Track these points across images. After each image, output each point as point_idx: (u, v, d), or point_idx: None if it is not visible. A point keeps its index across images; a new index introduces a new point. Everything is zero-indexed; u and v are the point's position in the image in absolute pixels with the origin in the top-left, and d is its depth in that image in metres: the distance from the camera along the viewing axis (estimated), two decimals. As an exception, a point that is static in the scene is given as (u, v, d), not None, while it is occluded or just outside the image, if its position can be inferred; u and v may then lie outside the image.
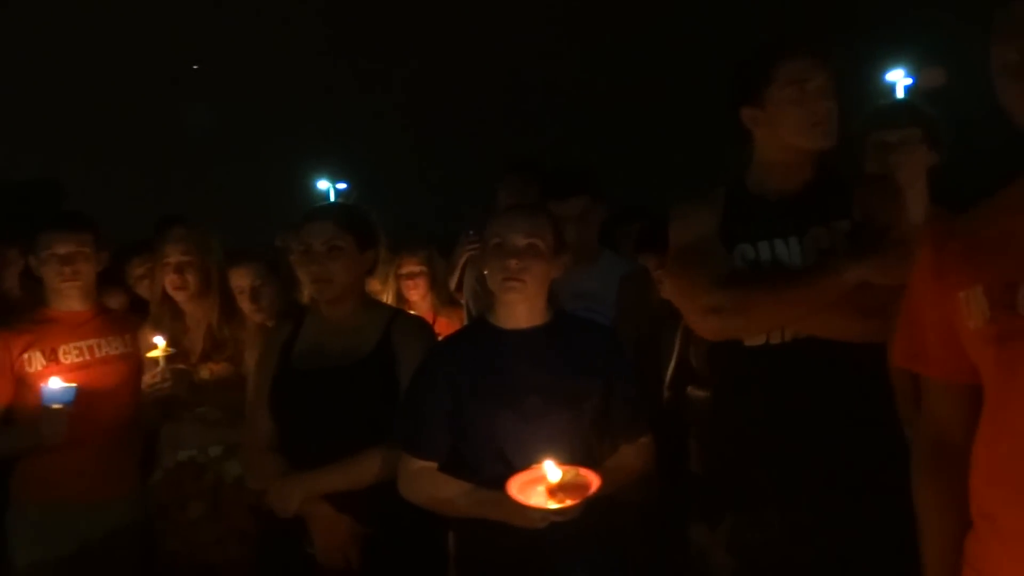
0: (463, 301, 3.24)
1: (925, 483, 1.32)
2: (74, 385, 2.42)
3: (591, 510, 1.67)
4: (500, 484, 1.69)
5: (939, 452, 1.30)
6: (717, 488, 1.99)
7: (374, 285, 2.42)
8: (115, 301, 3.02)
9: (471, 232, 3.38)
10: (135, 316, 2.84)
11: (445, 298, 3.46)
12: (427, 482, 1.88)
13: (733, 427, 1.87)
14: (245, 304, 2.76)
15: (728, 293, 1.71)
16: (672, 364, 2.77)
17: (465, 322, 3.03)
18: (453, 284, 3.54)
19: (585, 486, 1.66)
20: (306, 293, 2.21)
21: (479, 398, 1.86)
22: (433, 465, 1.88)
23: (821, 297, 1.61)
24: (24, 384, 2.51)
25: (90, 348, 2.63)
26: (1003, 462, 1.15)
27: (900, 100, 2.49)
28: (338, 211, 2.17)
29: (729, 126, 1.86)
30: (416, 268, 3.48)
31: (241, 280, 2.76)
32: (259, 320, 2.75)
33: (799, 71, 1.73)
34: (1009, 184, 1.24)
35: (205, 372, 2.61)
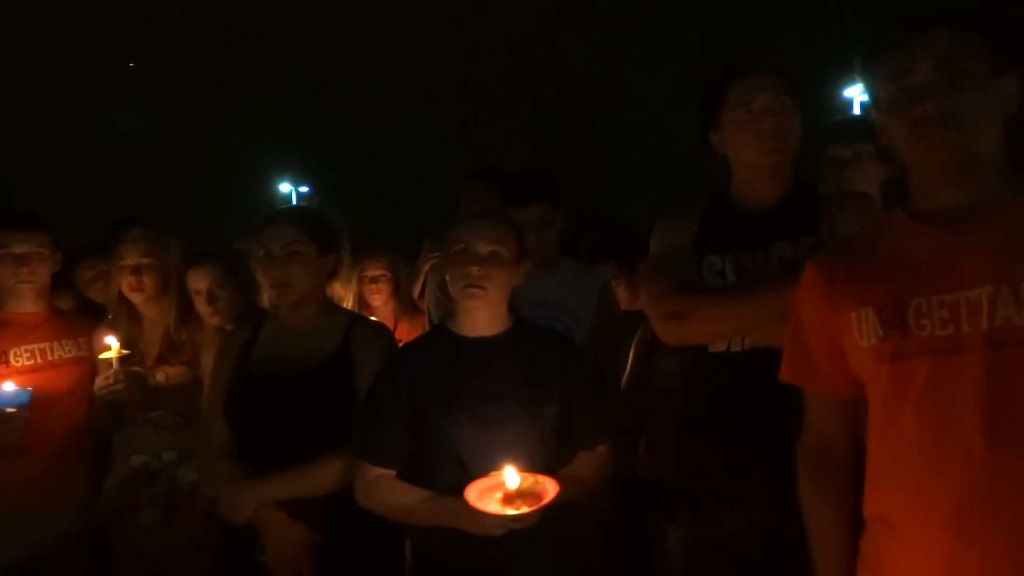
0: (425, 308, 3.23)
1: (813, 490, 1.45)
2: (30, 389, 2.37)
3: (549, 518, 1.68)
4: (458, 491, 1.69)
5: (825, 461, 1.43)
6: (674, 489, 2.02)
7: (336, 290, 2.39)
8: (64, 304, 2.96)
9: (433, 239, 3.37)
10: (89, 319, 2.78)
11: (407, 304, 3.45)
12: (384, 490, 1.87)
13: (693, 429, 1.92)
14: (202, 307, 2.72)
15: (687, 300, 1.78)
16: (627, 374, 2.80)
17: (427, 329, 3.02)
18: (416, 291, 3.53)
19: (543, 493, 1.67)
20: (266, 297, 2.19)
21: (438, 405, 1.85)
22: (391, 473, 1.87)
23: (772, 308, 1.65)
24: (-28, 388, 2.45)
25: (42, 351, 2.58)
26: (894, 467, 1.27)
27: (853, 116, 2.56)
28: (299, 215, 2.14)
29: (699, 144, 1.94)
30: (379, 272, 3.46)
31: (198, 282, 2.73)
32: (217, 323, 2.71)
33: (745, 92, 1.80)
34: (893, 209, 1.36)
35: (161, 375, 2.57)
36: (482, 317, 1.91)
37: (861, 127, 2.34)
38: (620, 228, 3.65)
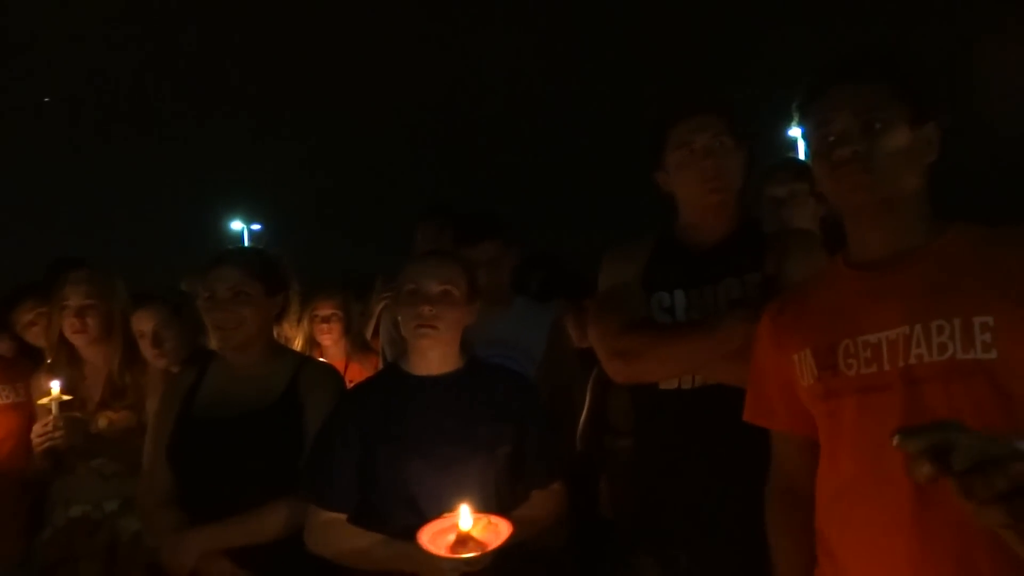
0: (378, 348, 3.21)
1: (777, 525, 1.49)
2: None
3: (503, 559, 1.66)
4: (411, 534, 1.66)
5: (788, 497, 1.47)
6: (631, 529, 2.02)
7: (285, 330, 2.36)
8: (3, 348, 2.86)
9: (386, 279, 3.37)
10: (27, 363, 2.70)
11: (359, 344, 3.42)
12: (335, 534, 1.83)
13: (647, 467, 1.92)
14: (147, 349, 2.66)
15: (635, 338, 1.78)
16: (585, 412, 2.81)
17: (380, 368, 3.00)
18: (369, 331, 3.51)
19: (497, 535, 1.65)
20: (212, 339, 2.15)
21: (390, 446, 1.83)
22: (342, 516, 1.84)
23: (720, 346, 1.67)
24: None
25: None
26: (832, 501, 1.33)
27: (787, 158, 2.66)
28: (245, 256, 2.11)
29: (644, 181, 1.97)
30: (330, 311, 3.43)
31: (143, 324, 2.67)
32: (162, 366, 2.65)
33: (685, 133, 1.83)
34: (835, 256, 1.44)
35: (103, 421, 2.49)
36: (434, 356, 1.91)
37: (795, 168, 2.44)
38: (568, 265, 3.68)
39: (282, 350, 2.21)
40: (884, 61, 1.35)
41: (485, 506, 1.72)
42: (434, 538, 1.65)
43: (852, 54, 1.39)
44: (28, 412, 2.53)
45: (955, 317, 1.20)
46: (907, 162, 1.30)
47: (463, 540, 1.63)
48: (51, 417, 2.36)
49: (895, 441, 0.78)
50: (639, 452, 2.00)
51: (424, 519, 1.70)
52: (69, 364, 2.55)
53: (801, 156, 2.47)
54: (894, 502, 1.22)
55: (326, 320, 3.46)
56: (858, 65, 1.34)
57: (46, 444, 2.38)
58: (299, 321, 2.95)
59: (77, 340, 2.54)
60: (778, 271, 1.78)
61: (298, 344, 3.14)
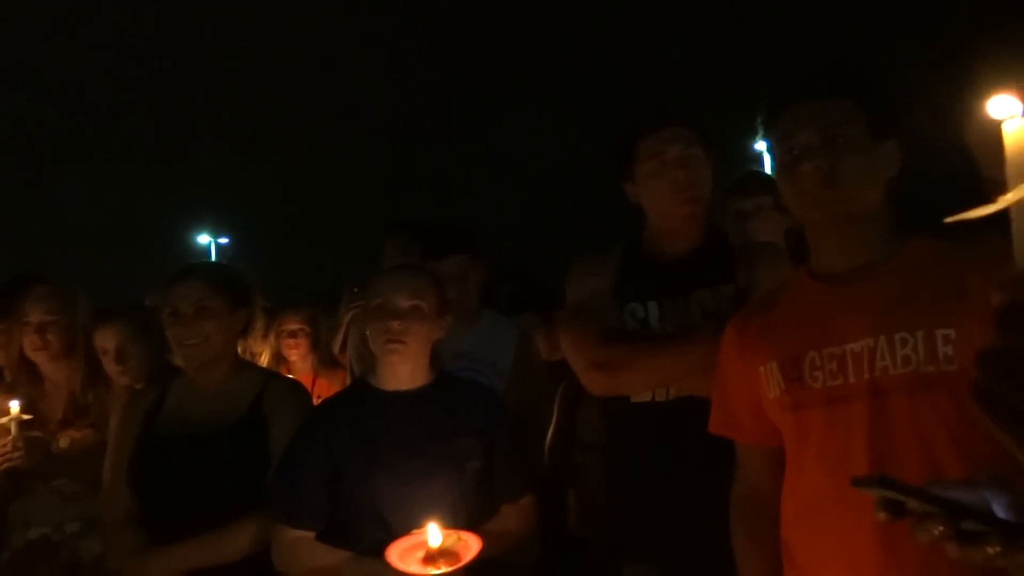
0: (346, 362, 3.19)
1: (743, 534, 1.50)
2: None
3: (473, 574, 1.65)
4: (380, 551, 1.65)
5: (754, 507, 1.49)
6: (602, 543, 2.02)
7: (252, 345, 2.34)
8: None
9: (355, 290, 3.34)
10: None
11: (326, 359, 3.39)
12: (303, 552, 1.80)
13: (619, 480, 1.92)
14: (110, 366, 2.61)
15: (612, 350, 1.77)
16: (553, 426, 2.81)
17: (348, 383, 2.98)
18: (337, 345, 3.48)
19: (466, 550, 1.64)
20: (177, 355, 2.12)
21: (358, 462, 1.82)
22: (309, 534, 1.82)
23: (696, 358, 1.67)
24: None
25: None
26: (799, 512, 1.35)
27: (752, 171, 2.69)
28: (208, 270, 2.09)
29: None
30: (297, 326, 3.40)
31: (107, 341, 2.62)
32: (126, 383, 2.60)
33: (656, 145, 1.84)
34: (798, 268, 1.47)
35: (64, 440, 2.43)
36: (403, 371, 1.90)
37: (760, 181, 2.47)
38: (536, 278, 3.69)
39: (247, 366, 2.19)
40: (847, 77, 1.37)
41: (454, 522, 1.71)
42: (403, 555, 1.64)
43: (815, 70, 1.42)
44: (-15, 432, 2.46)
45: (918, 330, 1.23)
46: (869, 177, 1.32)
47: (432, 556, 1.62)
48: (10, 437, 2.31)
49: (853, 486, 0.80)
50: (610, 465, 1.99)
51: (393, 536, 1.68)
52: (30, 382, 2.50)
53: (766, 169, 2.51)
54: (859, 512, 1.23)
55: (293, 335, 3.43)
56: (821, 81, 1.37)
57: (5, 465, 2.33)
58: (265, 336, 2.92)
59: (38, 357, 2.49)
60: (749, 283, 1.79)
61: (265, 359, 3.11)
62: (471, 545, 1.65)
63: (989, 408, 0.48)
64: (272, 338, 3.30)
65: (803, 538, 1.35)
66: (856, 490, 1.22)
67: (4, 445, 2.32)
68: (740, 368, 1.47)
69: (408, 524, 1.69)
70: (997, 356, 0.48)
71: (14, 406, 2.31)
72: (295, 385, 2.21)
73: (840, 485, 1.25)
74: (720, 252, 1.88)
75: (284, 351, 3.41)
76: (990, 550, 0.66)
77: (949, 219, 0.59)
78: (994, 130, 0.54)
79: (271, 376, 2.18)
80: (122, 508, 1.99)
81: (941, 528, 0.69)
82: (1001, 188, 0.52)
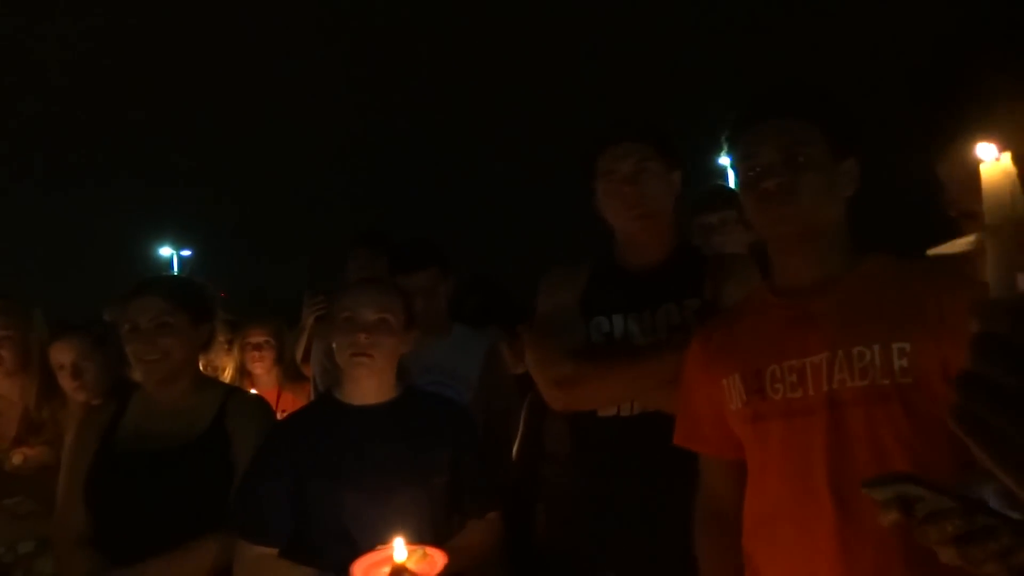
0: (310, 375, 3.15)
1: (705, 547, 1.52)
2: None
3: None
4: (345, 567, 1.62)
5: (716, 519, 1.50)
6: (568, 558, 2.01)
7: (215, 359, 2.30)
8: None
9: (315, 294, 3.31)
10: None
11: (292, 372, 3.35)
12: (267, 570, 1.78)
13: (584, 494, 1.91)
14: (67, 382, 2.55)
15: (574, 365, 1.77)
16: (519, 439, 2.80)
17: (312, 397, 2.94)
18: (300, 352, 3.44)
19: (432, 566, 1.63)
20: (136, 371, 2.07)
21: (323, 477, 1.80)
22: (273, 551, 1.79)
23: (661, 373, 1.67)
24: None
25: None
26: (760, 522, 1.37)
27: (716, 185, 2.73)
28: (168, 284, 2.06)
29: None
30: (262, 339, 3.36)
31: (62, 356, 2.56)
32: (82, 399, 2.54)
33: (610, 161, 1.85)
34: (760, 283, 1.51)
35: (18, 458, 2.38)
36: (370, 385, 1.89)
37: (724, 195, 2.50)
38: (504, 290, 3.68)
39: (208, 382, 2.15)
40: (808, 98, 1.41)
41: (420, 537, 1.69)
42: (368, 571, 1.62)
43: (778, 89, 1.45)
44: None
45: (875, 343, 1.26)
46: (828, 195, 1.35)
47: (398, 572, 1.60)
48: None
49: (864, 489, 0.84)
50: (576, 479, 1.99)
51: (358, 552, 1.66)
52: (-19, 399, 2.43)
53: (731, 184, 2.54)
54: (818, 523, 1.26)
55: (258, 348, 3.38)
56: (783, 100, 1.40)
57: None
58: (229, 349, 2.88)
59: (-9, 373, 2.43)
60: (716, 296, 1.80)
61: (229, 373, 3.06)
62: (437, 561, 1.64)
63: (968, 430, 0.51)
64: (236, 351, 3.25)
65: (763, 548, 1.37)
66: (814, 500, 1.25)
67: None
68: (704, 381, 1.49)
69: (373, 540, 1.67)
70: (974, 382, 0.51)
71: None
72: (257, 400, 2.19)
73: (798, 496, 1.29)
74: (689, 265, 1.88)
75: (248, 364, 3.36)
76: (998, 545, 0.70)
77: (932, 251, 0.63)
78: (973, 168, 0.59)
79: (233, 391, 2.15)
80: (76, 528, 1.93)
81: (957, 522, 0.73)
82: (977, 221, 0.57)
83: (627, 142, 1.85)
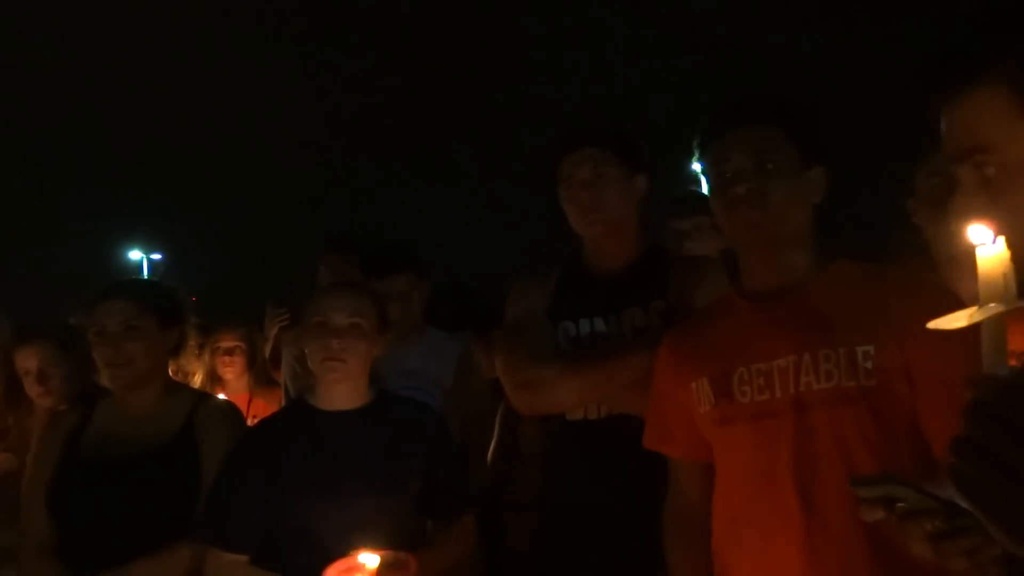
0: (282, 381, 3.12)
1: (676, 548, 1.53)
2: None
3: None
4: (317, 574, 1.62)
5: (686, 521, 1.52)
6: (538, 558, 2.02)
7: (185, 364, 2.27)
8: None
9: (279, 304, 3.30)
10: None
11: (263, 378, 3.32)
12: None
13: (554, 497, 1.92)
14: (32, 387, 2.51)
15: (540, 369, 1.79)
16: (494, 443, 2.80)
17: (284, 403, 2.92)
18: (266, 354, 3.41)
19: (405, 571, 1.63)
20: (104, 376, 2.04)
21: (295, 483, 1.78)
22: (243, 558, 1.77)
23: (624, 376, 1.70)
24: None
25: None
26: (728, 524, 1.39)
27: (689, 191, 2.76)
28: (137, 288, 2.04)
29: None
30: (233, 343, 3.33)
31: (28, 361, 2.51)
32: (48, 404, 2.50)
33: (568, 167, 1.86)
34: (727, 290, 1.52)
35: (-18, 465, 2.33)
36: (342, 390, 1.88)
37: (698, 201, 2.52)
38: (479, 294, 3.68)
39: (178, 387, 2.12)
40: (777, 106, 1.44)
41: (393, 542, 1.69)
42: (340, 578, 1.61)
43: (749, 97, 1.48)
44: None
45: (840, 346, 1.28)
46: (796, 201, 1.38)
47: (370, 578, 1.59)
48: None
49: (851, 487, 0.87)
50: (547, 482, 2.00)
51: (329, 558, 1.65)
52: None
53: (704, 190, 2.56)
54: (785, 524, 1.28)
55: (229, 352, 3.34)
56: (753, 109, 1.43)
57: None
58: (200, 354, 2.84)
59: (-49, 380, 2.38)
60: (683, 299, 1.81)
61: (199, 378, 3.02)
62: (410, 566, 1.63)
63: (962, 490, 0.57)
64: (207, 356, 3.21)
65: (731, 549, 1.39)
66: (781, 501, 1.27)
67: None
68: (673, 384, 1.51)
69: (345, 546, 1.66)
70: (967, 446, 0.57)
71: None
72: (227, 407, 2.16)
73: (766, 497, 1.31)
74: (655, 268, 1.90)
75: (219, 369, 3.32)
76: (970, 542, 0.76)
77: (931, 324, 0.68)
78: (970, 253, 0.65)
79: (202, 397, 2.12)
80: (40, 537, 1.89)
81: (937, 523, 0.78)
82: (973, 302, 0.64)
83: (585, 148, 1.86)
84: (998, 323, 0.63)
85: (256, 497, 1.78)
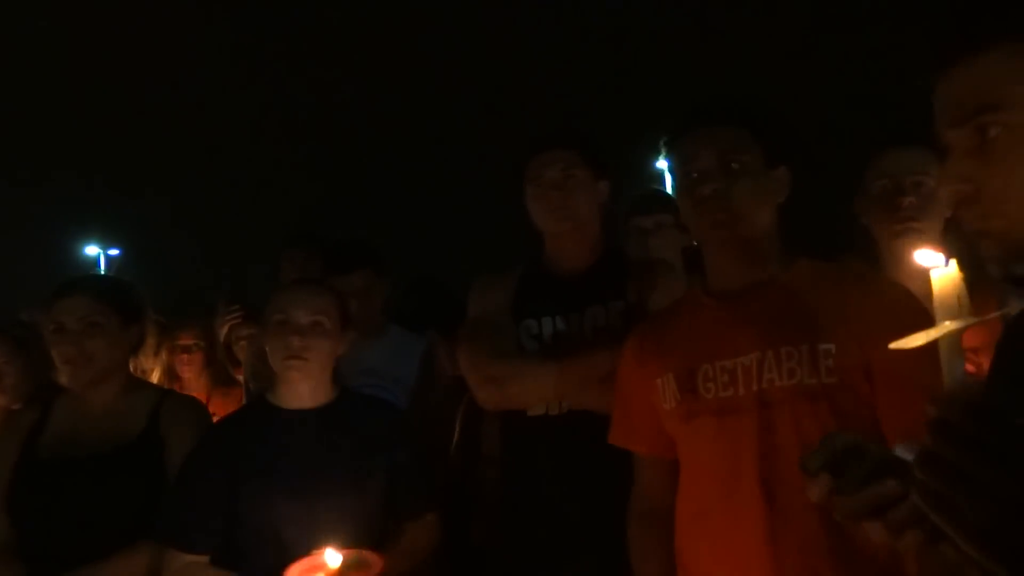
0: (243, 380, 3.08)
1: (639, 546, 1.55)
2: None
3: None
4: (278, 573, 1.59)
5: (651, 517, 1.54)
6: (501, 556, 2.02)
7: (142, 361, 2.23)
8: None
9: (227, 302, 3.26)
10: None
11: (222, 376, 3.28)
12: None
13: (515, 494, 1.93)
14: (-15, 386, 2.44)
15: (503, 365, 1.82)
16: (455, 441, 2.80)
17: (244, 401, 2.88)
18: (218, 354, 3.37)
19: (368, 569, 1.62)
20: (62, 374, 2.00)
21: (256, 482, 1.77)
22: (203, 559, 1.75)
23: (586, 372, 1.73)
24: None
25: None
26: (691, 519, 1.41)
27: (653, 189, 2.79)
28: (96, 284, 2.00)
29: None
30: (191, 341, 3.28)
31: (-21, 360, 2.45)
32: (2, 403, 2.44)
33: (536, 168, 1.90)
34: (694, 286, 1.56)
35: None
36: (304, 389, 1.86)
37: (661, 199, 2.55)
38: (444, 291, 3.67)
39: (140, 384, 2.09)
40: (743, 107, 1.46)
41: (356, 541, 1.68)
42: (302, 577, 1.60)
43: (714, 98, 1.50)
44: None
45: (802, 344, 1.31)
46: (761, 201, 1.41)
47: (333, 578, 1.58)
48: None
49: (800, 469, 0.87)
50: (508, 479, 2.01)
51: (291, 558, 1.63)
52: None
53: (668, 188, 2.58)
54: (747, 519, 1.30)
55: (187, 350, 3.29)
56: (719, 109, 1.45)
57: None
58: (158, 352, 2.80)
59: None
60: (640, 299, 1.85)
61: (156, 377, 2.97)
62: (373, 564, 1.62)
63: (927, 503, 0.60)
64: (164, 354, 3.16)
65: (694, 544, 1.41)
66: (744, 496, 1.29)
67: None
68: (639, 380, 1.52)
69: (307, 545, 1.65)
70: (931, 460, 0.59)
71: None
72: (193, 402, 2.14)
73: (729, 492, 1.33)
74: (614, 269, 1.93)
75: (177, 367, 3.27)
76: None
77: (893, 345, 0.71)
78: (924, 275, 0.69)
79: (167, 393, 2.10)
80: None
81: (892, 482, 0.78)
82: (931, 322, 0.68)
83: (554, 149, 1.90)
84: (954, 339, 0.67)
85: (215, 496, 1.76)
